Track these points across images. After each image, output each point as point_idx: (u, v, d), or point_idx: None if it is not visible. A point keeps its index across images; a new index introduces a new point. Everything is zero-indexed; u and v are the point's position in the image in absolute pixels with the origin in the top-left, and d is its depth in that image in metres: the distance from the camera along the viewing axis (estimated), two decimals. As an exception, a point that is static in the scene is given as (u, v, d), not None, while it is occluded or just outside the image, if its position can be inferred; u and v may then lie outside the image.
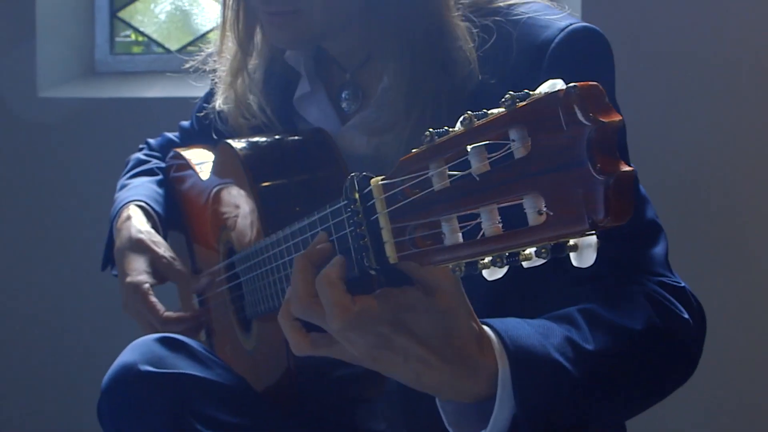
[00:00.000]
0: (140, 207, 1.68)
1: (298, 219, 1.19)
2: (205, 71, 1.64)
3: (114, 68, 3.21)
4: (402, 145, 1.34)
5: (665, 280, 1.31)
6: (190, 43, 3.24)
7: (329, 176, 1.42)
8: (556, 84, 0.82)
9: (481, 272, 0.88)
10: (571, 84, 0.78)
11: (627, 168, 0.77)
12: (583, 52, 1.33)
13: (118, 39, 3.26)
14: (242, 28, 1.51)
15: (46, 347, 3.04)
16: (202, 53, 1.65)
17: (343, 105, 1.52)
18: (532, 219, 0.82)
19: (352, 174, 1.00)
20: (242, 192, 1.46)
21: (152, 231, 1.62)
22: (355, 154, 1.47)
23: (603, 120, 0.76)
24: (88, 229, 2.76)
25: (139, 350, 1.36)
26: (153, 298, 1.56)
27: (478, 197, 0.85)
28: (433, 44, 1.35)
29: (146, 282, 1.56)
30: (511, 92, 0.82)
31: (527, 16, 1.35)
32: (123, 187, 1.77)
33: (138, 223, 1.61)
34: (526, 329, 1.14)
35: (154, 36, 3.26)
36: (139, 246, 1.58)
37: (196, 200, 1.70)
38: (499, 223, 0.86)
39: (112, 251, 1.67)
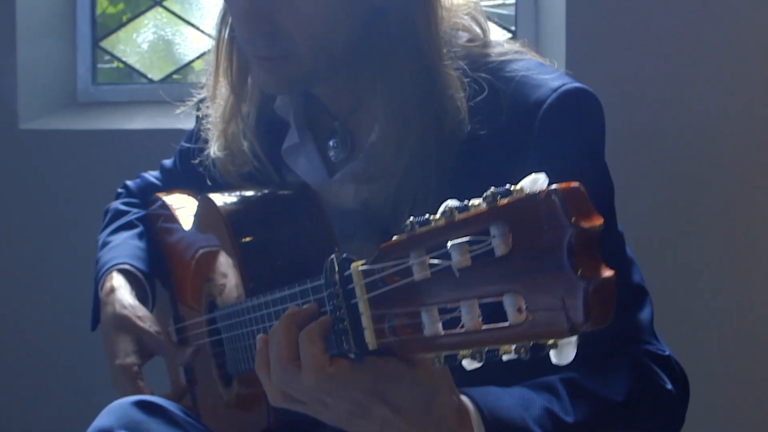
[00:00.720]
0: (123, 272, 1.67)
1: (280, 280, 1.20)
2: (197, 116, 1.64)
3: (96, 98, 3.20)
4: (390, 199, 1.36)
5: (650, 348, 1.31)
6: (173, 73, 3.23)
7: (312, 234, 1.42)
8: (538, 180, 0.82)
9: (460, 363, 0.89)
10: (553, 186, 0.78)
11: (608, 273, 0.77)
12: (574, 115, 1.33)
13: (101, 65, 3.25)
14: (235, 73, 1.51)
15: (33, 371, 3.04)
16: (193, 99, 1.65)
17: (331, 153, 1.52)
18: (512, 317, 0.82)
19: (333, 255, 1.01)
20: (224, 248, 1.46)
21: (136, 304, 1.60)
22: (343, 208, 1.47)
23: (584, 225, 0.77)
24: (72, 264, 2.76)
25: (115, 414, 1.36)
26: (141, 383, 1.56)
27: (457, 292, 0.85)
28: (424, 92, 1.35)
29: (134, 364, 1.56)
30: (493, 188, 0.82)
31: (521, 74, 1.35)
32: (104, 245, 1.76)
33: (122, 296, 1.60)
34: (506, 401, 1.14)
35: (137, 66, 3.24)
36: (124, 323, 1.58)
37: (180, 251, 1.70)
38: (479, 317, 0.86)
39: (98, 314, 1.67)
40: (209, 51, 1.57)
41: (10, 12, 2.97)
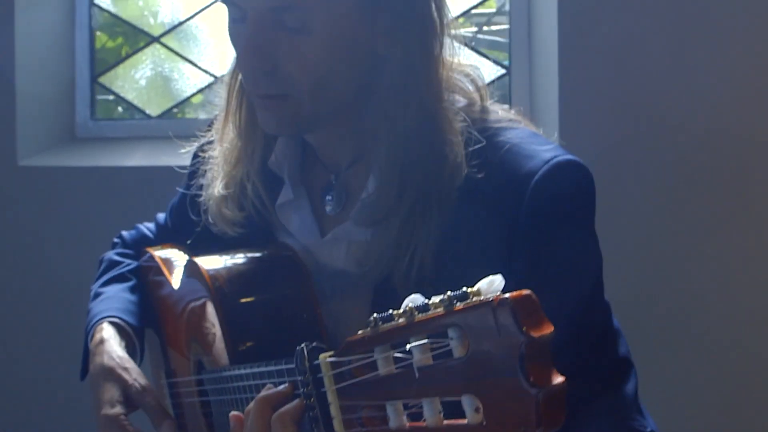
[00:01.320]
0: (113, 324, 1.69)
1: (264, 348, 1.23)
2: (196, 158, 1.67)
3: (95, 133, 3.25)
4: (383, 258, 1.38)
5: (634, 425, 1.35)
6: (171, 109, 3.27)
7: (297, 302, 1.46)
8: (494, 281, 0.86)
9: (426, 455, 0.92)
10: (506, 295, 0.81)
11: (558, 380, 0.81)
12: (564, 187, 1.36)
13: (100, 96, 3.29)
14: (244, 118, 1.54)
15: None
16: (198, 139, 1.68)
17: (327, 208, 1.54)
18: (470, 417, 0.86)
19: (303, 345, 1.04)
20: (210, 314, 1.50)
21: (124, 356, 1.63)
22: (334, 267, 1.49)
23: (534, 335, 0.80)
24: (70, 300, 2.78)
25: None
26: (130, 428, 1.58)
27: (419, 389, 0.89)
28: (425, 137, 1.38)
29: (121, 413, 1.58)
30: (449, 292, 0.86)
31: (514, 143, 1.39)
32: (97, 296, 1.78)
33: (111, 348, 1.63)
34: None
35: (135, 102, 3.29)
36: (111, 375, 1.60)
37: (169, 307, 1.73)
38: (440, 413, 0.89)
39: (88, 362, 1.71)
40: (220, 96, 1.60)
41: (10, 47, 3.02)
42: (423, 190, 1.37)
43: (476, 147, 1.36)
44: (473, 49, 3.12)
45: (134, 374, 1.61)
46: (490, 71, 3.14)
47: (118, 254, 1.89)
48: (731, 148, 2.83)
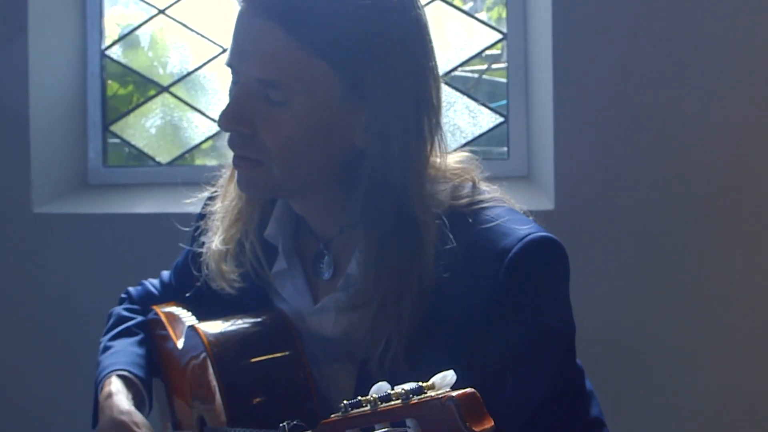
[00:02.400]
0: (122, 377, 1.80)
1: (259, 409, 1.36)
2: (205, 219, 1.77)
3: (107, 180, 3.39)
4: (367, 330, 1.51)
5: None
6: (180, 156, 3.41)
7: (289, 363, 1.60)
8: (447, 376, 0.99)
9: None
10: (452, 393, 0.94)
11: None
12: (538, 263, 1.49)
13: (111, 140, 3.42)
14: None
15: None
16: (203, 194, 1.81)
17: (321, 274, 1.66)
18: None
19: (285, 423, 1.17)
20: (209, 374, 1.63)
21: (133, 410, 1.72)
22: (324, 334, 1.63)
23: (476, 429, 0.93)
24: (84, 345, 2.89)
25: None
26: None
27: (381, 471, 1.02)
28: (401, 233, 1.50)
29: None
30: (404, 387, 0.99)
31: (494, 222, 1.51)
32: (106, 349, 1.89)
33: (119, 402, 1.72)
34: None
35: (145, 149, 3.43)
36: (120, 428, 1.69)
37: (174, 364, 1.85)
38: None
39: (98, 411, 1.82)
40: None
41: (24, 96, 3.14)
42: (396, 283, 1.49)
43: (452, 246, 1.48)
44: (472, 98, 3.26)
45: (143, 428, 1.70)
46: (489, 119, 3.28)
47: (126, 309, 2.01)
48: (731, 184, 2.98)
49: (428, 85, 1.53)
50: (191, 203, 1.85)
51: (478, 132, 3.29)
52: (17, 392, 3.20)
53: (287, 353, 1.61)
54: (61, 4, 3.31)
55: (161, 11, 3.38)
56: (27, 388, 3.20)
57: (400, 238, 1.49)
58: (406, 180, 1.50)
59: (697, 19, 2.95)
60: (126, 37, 3.45)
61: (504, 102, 3.25)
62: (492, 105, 3.27)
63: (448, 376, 0.98)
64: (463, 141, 3.27)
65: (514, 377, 1.49)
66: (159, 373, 1.91)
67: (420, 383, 0.99)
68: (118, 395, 1.74)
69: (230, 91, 1.57)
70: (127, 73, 3.44)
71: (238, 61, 1.52)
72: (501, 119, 3.26)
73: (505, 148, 3.25)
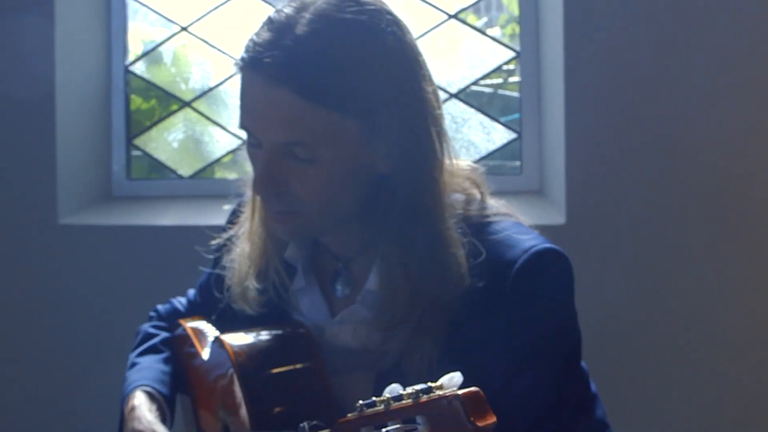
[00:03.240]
0: (146, 393, 1.89)
1: (281, 416, 1.45)
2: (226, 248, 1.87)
3: (130, 193, 3.50)
4: (383, 341, 1.62)
5: None
6: (202, 170, 3.53)
7: (308, 372, 1.69)
8: (454, 377, 1.09)
9: None
10: (458, 392, 1.05)
11: (502, 460, 1.04)
12: (543, 274, 1.59)
13: (135, 152, 3.53)
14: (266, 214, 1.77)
15: None
16: (224, 233, 1.89)
17: (338, 292, 1.77)
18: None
19: (305, 423, 1.28)
20: (233, 383, 1.73)
21: (154, 420, 1.82)
22: (342, 345, 1.73)
23: (479, 424, 1.03)
24: (106, 355, 3.01)
25: None
26: None
27: (393, 464, 1.13)
28: (429, 251, 1.60)
29: None
30: (414, 388, 1.09)
31: (501, 235, 1.62)
32: (133, 365, 1.99)
33: (142, 414, 1.82)
34: None
35: (168, 162, 3.54)
36: None
37: (200, 375, 1.95)
38: (412, 484, 1.13)
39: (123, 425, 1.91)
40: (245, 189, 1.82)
41: (51, 111, 3.25)
42: (430, 303, 1.58)
43: (480, 260, 1.58)
44: (486, 114, 3.36)
45: None
46: (502, 135, 3.38)
47: (153, 326, 2.10)
48: (747, 202, 3.07)
49: (429, 98, 1.63)
50: (214, 215, 1.94)
51: (491, 147, 3.40)
52: (42, 400, 3.30)
53: (308, 364, 1.70)
54: (87, 21, 3.43)
55: (184, 28, 3.50)
56: (52, 396, 3.29)
57: (432, 256, 1.59)
58: (423, 202, 1.61)
59: (710, 33, 3.04)
60: (149, 53, 3.57)
61: (517, 115, 3.35)
62: (505, 119, 3.38)
63: (455, 377, 1.09)
64: (477, 156, 3.37)
65: (519, 382, 1.59)
66: (184, 388, 2.01)
67: (429, 384, 1.10)
68: (141, 408, 1.84)
69: (248, 148, 1.66)
70: (150, 88, 3.56)
71: (257, 128, 1.60)
72: (514, 135, 3.37)
73: (518, 163, 3.36)
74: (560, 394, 1.61)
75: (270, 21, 1.59)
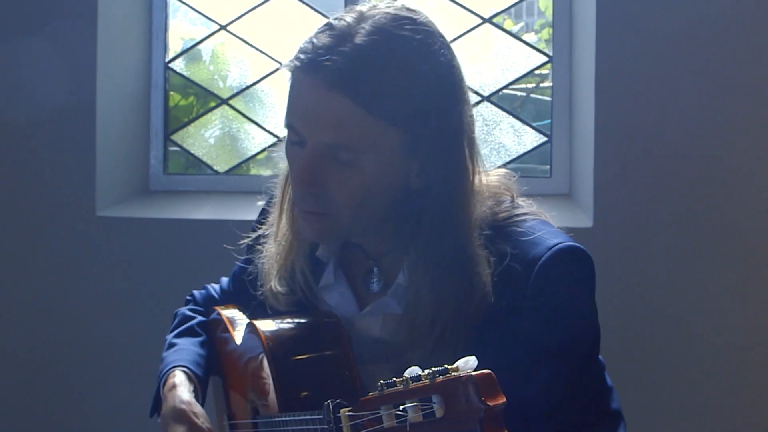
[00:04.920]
0: (184, 373, 1.98)
1: (308, 399, 1.55)
2: (255, 244, 1.95)
3: (167, 187, 3.62)
4: (408, 334, 1.70)
5: None
6: (237, 166, 3.64)
7: (337, 361, 1.77)
8: (469, 361, 1.19)
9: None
10: (472, 373, 1.15)
11: (510, 438, 1.14)
12: (565, 271, 1.66)
13: (172, 149, 3.64)
14: (296, 216, 1.85)
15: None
16: (254, 232, 1.98)
17: (373, 287, 1.85)
18: (447, 462, 1.19)
19: (329, 401, 1.38)
20: (264, 367, 1.82)
21: (192, 401, 1.90)
22: (371, 336, 1.82)
23: (490, 404, 1.14)
24: (142, 344, 3.06)
25: None
26: None
27: (412, 440, 1.23)
28: (455, 273, 1.67)
29: None
30: (433, 367, 1.19)
31: (527, 235, 1.69)
32: (171, 346, 2.08)
33: (181, 393, 1.91)
34: None
35: (204, 158, 3.66)
36: (181, 416, 1.87)
37: (232, 359, 2.04)
38: (428, 458, 1.23)
39: (158, 403, 2.00)
40: (276, 188, 1.89)
41: (91, 106, 3.36)
42: (454, 317, 1.66)
43: (500, 269, 1.65)
44: (517, 117, 3.45)
45: (201, 418, 1.88)
46: (533, 139, 3.48)
47: (190, 310, 2.20)
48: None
49: (467, 121, 1.71)
50: (243, 242, 2.01)
51: (522, 150, 3.49)
52: (81, 390, 3.41)
53: (336, 352, 1.78)
54: (129, 19, 3.54)
55: (223, 27, 3.62)
56: (90, 386, 3.40)
57: (456, 276, 1.67)
58: (458, 214, 1.68)
59: (744, 39, 3.12)
60: (189, 51, 3.68)
61: (549, 121, 3.44)
62: (537, 124, 3.47)
63: (470, 360, 1.19)
64: (508, 159, 3.47)
65: (539, 375, 1.67)
66: (218, 371, 2.11)
67: (446, 366, 1.19)
68: (181, 387, 1.92)
69: (288, 147, 1.72)
70: (188, 85, 3.67)
71: (305, 127, 1.66)
72: (544, 138, 3.46)
73: (548, 167, 3.44)
74: (577, 387, 1.69)
75: (330, 27, 1.66)
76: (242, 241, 2.01)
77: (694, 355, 3.15)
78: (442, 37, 1.70)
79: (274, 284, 1.87)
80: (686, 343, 3.15)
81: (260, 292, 1.92)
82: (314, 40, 1.65)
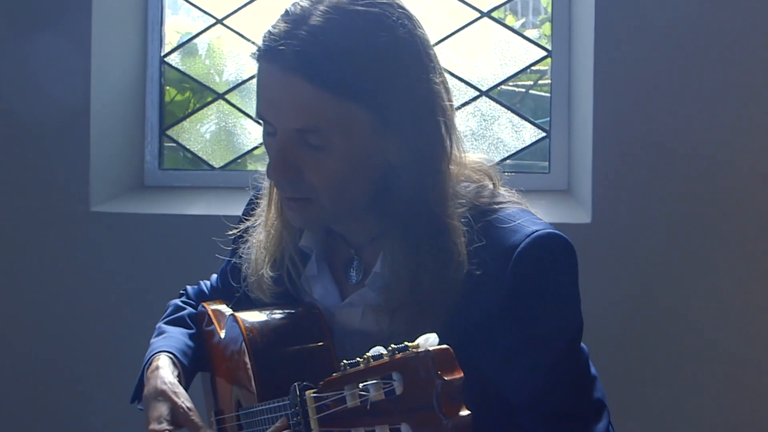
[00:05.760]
0: (169, 358, 1.99)
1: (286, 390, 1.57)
2: (243, 239, 1.96)
3: (162, 182, 3.62)
4: (390, 324, 1.70)
5: None
6: (233, 161, 3.64)
7: (317, 352, 1.79)
8: (429, 338, 1.19)
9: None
10: (429, 348, 1.15)
11: (465, 413, 1.14)
12: (544, 258, 1.67)
13: (168, 144, 3.65)
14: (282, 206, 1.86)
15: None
16: (241, 224, 2.00)
17: (352, 275, 1.86)
18: (407, 441, 1.19)
19: (296, 383, 1.38)
20: (245, 359, 1.82)
21: (175, 382, 1.91)
22: (352, 328, 1.82)
23: (447, 378, 1.13)
24: (136, 339, 3.05)
25: None
26: None
27: (372, 419, 1.23)
28: (431, 239, 1.68)
29: (166, 429, 1.85)
30: (393, 344, 1.19)
31: (507, 222, 1.70)
32: (160, 333, 2.10)
33: (164, 374, 1.92)
34: None
35: (200, 153, 3.66)
36: (162, 396, 1.88)
37: (218, 354, 2.05)
38: (390, 438, 1.23)
39: (141, 388, 2.02)
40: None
41: (86, 100, 3.36)
42: (430, 287, 1.67)
43: (478, 245, 1.66)
44: (516, 112, 3.45)
45: (182, 398, 1.88)
46: (531, 134, 3.47)
47: (183, 302, 2.22)
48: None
49: (438, 89, 1.71)
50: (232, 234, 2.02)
51: (520, 146, 3.49)
52: (72, 384, 3.42)
53: (318, 344, 1.79)
54: (124, 12, 3.54)
55: (219, 21, 3.62)
56: (82, 381, 3.41)
57: (433, 243, 1.68)
58: (432, 190, 1.69)
59: (741, 37, 3.12)
60: (185, 45, 3.69)
61: (548, 119, 3.43)
62: (537, 122, 3.47)
63: (431, 337, 1.19)
64: (506, 154, 3.47)
65: (519, 365, 1.67)
66: (204, 368, 2.12)
67: (406, 342, 1.19)
68: (164, 369, 1.93)
69: (264, 138, 1.73)
70: (184, 80, 3.68)
71: (271, 115, 1.68)
72: (543, 134, 3.46)
73: (547, 163, 3.44)
74: (558, 375, 1.69)
75: (286, 13, 1.68)
76: (230, 232, 2.02)
77: (693, 351, 3.14)
78: (402, 8, 1.70)
79: (265, 271, 1.88)
80: (685, 339, 3.15)
81: (245, 284, 1.93)
82: (271, 29, 1.67)
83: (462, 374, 1.15)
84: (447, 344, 1.21)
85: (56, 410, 3.43)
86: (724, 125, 3.12)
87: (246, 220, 1.98)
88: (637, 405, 3.10)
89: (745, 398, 3.16)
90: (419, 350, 1.17)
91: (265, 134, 1.73)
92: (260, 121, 1.72)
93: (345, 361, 1.27)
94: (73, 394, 3.43)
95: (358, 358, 1.27)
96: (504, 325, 1.65)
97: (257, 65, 1.70)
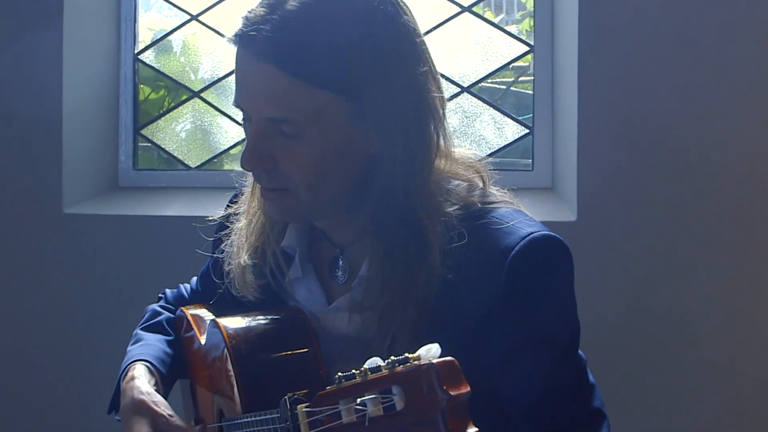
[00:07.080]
0: (146, 366, 1.93)
1: (271, 399, 1.50)
2: (226, 230, 1.90)
3: (137, 183, 3.55)
4: (375, 329, 1.64)
5: None
6: (209, 161, 3.57)
7: (303, 360, 1.73)
8: (431, 349, 1.12)
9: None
10: (433, 361, 1.08)
11: (472, 429, 1.07)
12: (539, 261, 1.61)
13: (142, 144, 3.58)
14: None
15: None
16: (225, 210, 1.95)
17: (338, 274, 1.80)
18: (409, 458, 1.12)
19: (286, 396, 1.31)
20: (228, 369, 1.76)
21: (152, 392, 1.85)
22: (338, 333, 1.76)
23: (453, 393, 1.07)
24: (110, 344, 3.00)
25: None
26: None
27: (371, 436, 1.16)
28: (408, 238, 1.63)
29: None
30: (393, 356, 1.12)
31: (500, 222, 1.64)
32: (138, 340, 2.03)
33: (141, 384, 1.85)
34: None
35: (175, 153, 3.59)
36: (141, 407, 1.82)
37: (197, 361, 1.99)
38: (389, 454, 1.16)
39: (117, 397, 1.95)
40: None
41: (57, 98, 3.29)
42: (401, 285, 1.62)
43: (458, 244, 1.61)
44: (498, 109, 3.40)
45: (162, 406, 1.82)
46: (514, 131, 3.42)
47: (161, 307, 2.16)
48: (758, 198, 3.12)
49: (426, 87, 1.65)
50: (213, 220, 1.99)
51: (503, 143, 3.43)
52: (45, 390, 3.35)
53: (303, 350, 1.73)
54: (96, 9, 3.47)
55: (194, 17, 3.55)
56: (55, 387, 3.34)
57: (405, 242, 1.63)
58: (412, 186, 1.63)
59: (726, 32, 3.08)
60: (159, 42, 3.61)
61: (530, 116, 3.38)
62: (520, 118, 3.42)
63: (433, 348, 1.12)
64: (489, 151, 3.41)
65: (515, 370, 1.62)
66: (183, 375, 2.06)
67: (407, 354, 1.12)
68: (140, 379, 1.87)
69: (244, 125, 1.70)
70: (159, 78, 3.61)
71: (245, 102, 1.64)
72: (526, 131, 3.40)
73: (530, 160, 3.39)
74: (556, 382, 1.64)
75: None
76: (211, 217, 1.98)
77: (680, 349, 3.11)
78: None
79: (246, 258, 1.83)
80: (671, 337, 3.11)
81: (228, 279, 1.87)
82: (248, 14, 1.62)
83: (468, 388, 1.08)
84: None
85: (27, 411, 3.38)
86: (709, 122, 3.08)
87: (229, 208, 1.93)
88: (625, 402, 3.06)
89: (745, 396, 3.14)
90: (421, 362, 1.10)
91: (244, 120, 1.69)
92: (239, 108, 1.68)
93: (339, 374, 1.20)
94: (43, 396, 3.36)
95: (354, 371, 1.19)
96: (498, 329, 1.60)
97: (235, 51, 1.65)
